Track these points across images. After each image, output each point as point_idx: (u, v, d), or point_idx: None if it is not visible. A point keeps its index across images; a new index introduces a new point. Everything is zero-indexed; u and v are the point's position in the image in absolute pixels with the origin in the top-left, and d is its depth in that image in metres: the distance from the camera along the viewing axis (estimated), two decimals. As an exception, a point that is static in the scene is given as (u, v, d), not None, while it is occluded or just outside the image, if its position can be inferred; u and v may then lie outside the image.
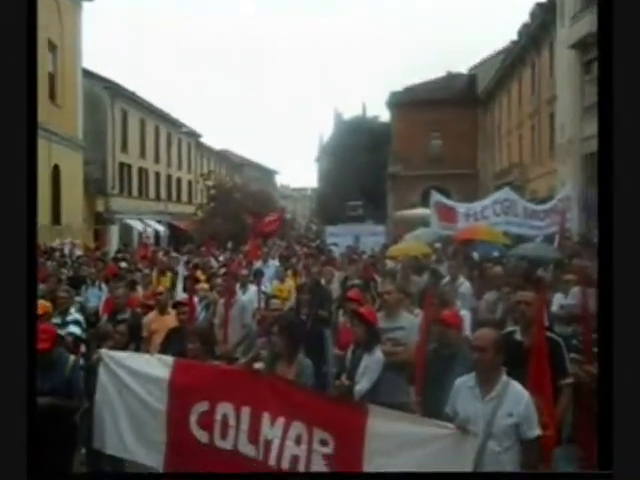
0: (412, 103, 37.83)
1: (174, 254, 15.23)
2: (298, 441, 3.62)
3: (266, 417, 3.76)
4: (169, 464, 4.12)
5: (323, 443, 3.55)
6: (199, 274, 9.67)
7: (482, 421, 3.26)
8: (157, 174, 37.38)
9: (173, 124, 39.64)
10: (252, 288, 7.96)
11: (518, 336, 4.28)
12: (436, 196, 14.25)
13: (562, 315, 6.14)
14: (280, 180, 78.14)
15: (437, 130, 38.75)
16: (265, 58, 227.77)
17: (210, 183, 34.80)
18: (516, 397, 3.29)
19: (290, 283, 9.02)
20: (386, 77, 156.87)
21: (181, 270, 9.61)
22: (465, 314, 5.36)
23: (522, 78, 31.58)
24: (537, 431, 3.26)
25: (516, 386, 3.35)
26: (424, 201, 29.59)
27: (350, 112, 49.69)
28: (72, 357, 4.54)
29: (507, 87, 34.55)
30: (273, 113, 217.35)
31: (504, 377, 3.37)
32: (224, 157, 53.27)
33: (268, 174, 65.91)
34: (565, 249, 10.22)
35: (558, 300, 6.50)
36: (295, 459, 3.61)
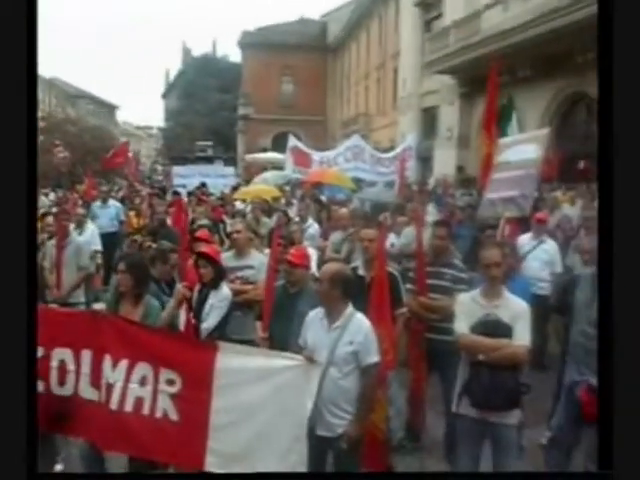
0: (264, 45, 37.15)
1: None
2: (143, 382, 3.50)
3: (107, 360, 3.57)
4: None
5: (170, 383, 3.47)
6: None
7: (326, 350, 3.42)
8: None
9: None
10: (90, 228, 7.38)
11: (360, 271, 4.51)
12: (293, 141, 14.49)
13: (394, 253, 6.66)
14: (122, 116, 73.03)
15: (288, 74, 38.66)
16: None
17: (38, 114, 31.24)
18: (357, 327, 3.48)
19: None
20: (238, 16, 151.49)
21: None
22: (312, 252, 5.52)
23: (370, 30, 32.40)
24: (375, 358, 3.49)
25: (359, 317, 3.53)
26: (275, 145, 29.69)
27: (200, 49, 47.43)
28: None
29: (356, 38, 35.27)
30: (115, 44, 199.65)
31: (350, 309, 3.53)
32: (54, 86, 47.92)
33: (107, 109, 60.98)
34: (403, 194, 11.05)
35: (390, 239, 7.01)
36: (139, 401, 3.50)
